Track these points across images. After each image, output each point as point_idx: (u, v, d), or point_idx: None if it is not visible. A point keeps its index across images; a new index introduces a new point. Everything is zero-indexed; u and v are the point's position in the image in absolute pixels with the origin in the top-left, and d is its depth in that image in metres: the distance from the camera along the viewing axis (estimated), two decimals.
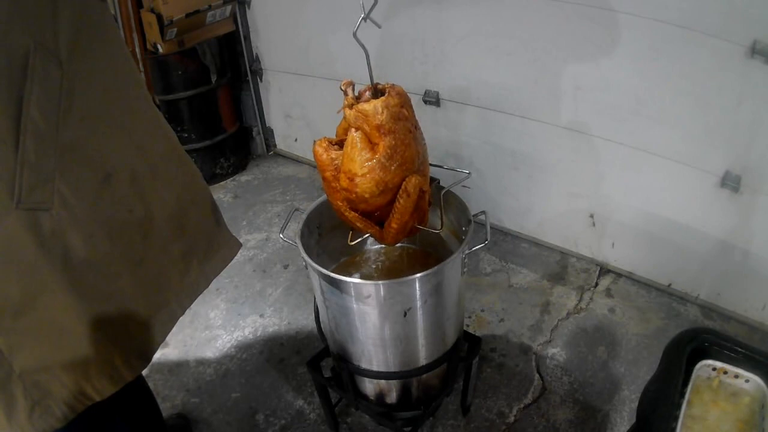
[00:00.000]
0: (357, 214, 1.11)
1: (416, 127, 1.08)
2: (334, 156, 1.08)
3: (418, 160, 1.08)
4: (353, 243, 1.21)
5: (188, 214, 0.91)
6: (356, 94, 1.05)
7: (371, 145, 1.02)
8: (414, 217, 1.12)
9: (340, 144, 1.09)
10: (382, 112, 0.99)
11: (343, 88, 1.04)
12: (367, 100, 1.01)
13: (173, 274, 0.88)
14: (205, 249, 0.98)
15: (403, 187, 1.06)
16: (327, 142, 1.09)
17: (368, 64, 1.04)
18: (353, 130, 1.03)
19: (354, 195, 1.06)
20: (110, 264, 0.73)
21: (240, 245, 1.12)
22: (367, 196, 1.05)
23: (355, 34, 0.98)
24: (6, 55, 0.61)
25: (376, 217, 1.13)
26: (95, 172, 0.70)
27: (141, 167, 0.79)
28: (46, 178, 0.63)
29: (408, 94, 1.06)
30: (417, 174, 1.08)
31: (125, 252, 0.75)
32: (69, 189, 0.66)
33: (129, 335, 0.77)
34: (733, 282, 1.80)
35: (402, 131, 1.02)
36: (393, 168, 1.03)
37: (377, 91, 1.04)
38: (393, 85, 1.05)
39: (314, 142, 1.10)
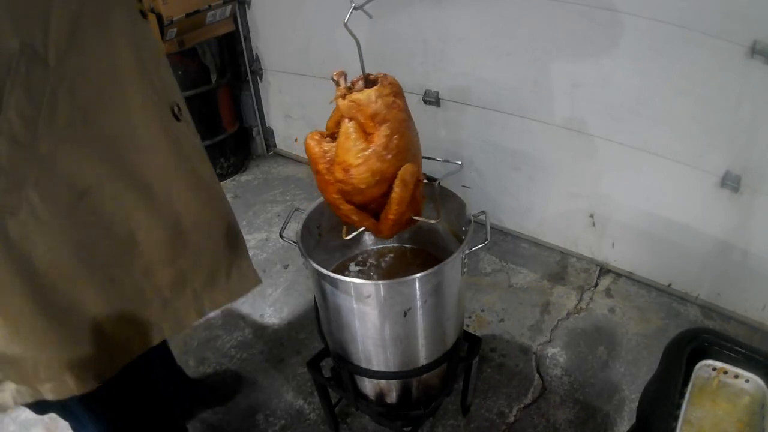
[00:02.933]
0: (352, 207, 1.08)
1: (409, 116, 1.07)
2: (326, 148, 1.06)
3: (412, 150, 1.07)
4: (348, 238, 1.18)
5: (189, 238, 0.84)
6: (348, 84, 1.04)
7: (366, 134, 1.01)
8: (410, 209, 1.11)
9: (332, 137, 1.08)
10: (376, 101, 0.98)
11: (335, 78, 1.03)
12: (360, 90, 1.00)
13: (154, 301, 0.81)
14: (207, 279, 0.90)
15: (399, 176, 1.04)
16: (319, 135, 1.08)
17: (359, 53, 1.03)
18: (347, 120, 1.01)
19: (350, 186, 1.04)
20: (74, 279, 0.69)
21: (259, 282, 1.03)
22: (363, 186, 1.03)
23: (345, 24, 0.97)
24: None
25: (372, 209, 1.11)
26: (71, 187, 0.67)
27: (129, 186, 0.73)
28: (18, 184, 0.61)
29: (400, 85, 1.05)
30: (417, 162, 1.07)
31: (95, 269, 0.71)
32: (40, 199, 0.64)
33: (83, 352, 0.73)
34: (733, 282, 1.80)
35: (396, 120, 1.01)
36: (389, 157, 1.02)
37: (369, 81, 1.03)
38: (385, 75, 1.04)
39: (308, 136, 1.08)
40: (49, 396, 0.73)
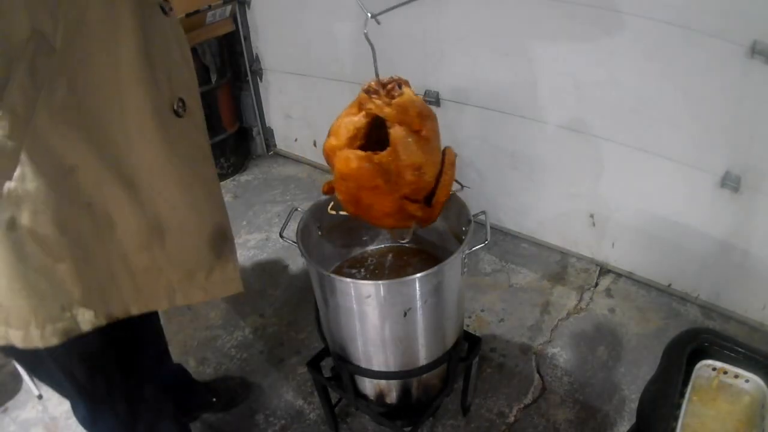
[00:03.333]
0: (419, 204, 1.11)
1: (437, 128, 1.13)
2: (377, 160, 1.03)
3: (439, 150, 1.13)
4: (335, 212, 1.22)
5: (168, 236, 0.86)
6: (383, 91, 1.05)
7: (415, 133, 1.04)
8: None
9: (362, 148, 1.06)
10: (417, 100, 1.03)
11: (373, 87, 1.03)
12: (400, 95, 1.02)
13: (126, 281, 0.85)
14: (184, 276, 0.92)
15: (446, 160, 1.11)
16: (354, 154, 1.04)
17: (374, 59, 1.03)
18: (396, 125, 1.02)
19: (423, 184, 1.07)
20: (51, 245, 0.75)
21: (239, 289, 1.02)
22: (431, 179, 1.08)
23: (366, 35, 0.98)
24: (5, 38, 0.65)
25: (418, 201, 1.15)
26: (59, 164, 0.72)
27: (112, 174, 0.77)
28: (14, 151, 0.68)
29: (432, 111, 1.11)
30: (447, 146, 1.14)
31: (72, 241, 0.77)
32: (31, 169, 0.70)
33: (49, 311, 0.79)
34: (733, 282, 1.80)
35: (429, 110, 1.06)
36: (438, 145, 1.10)
37: (382, 85, 1.05)
38: (393, 76, 1.05)
39: (343, 157, 1.05)
40: (18, 343, 0.79)
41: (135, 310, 0.88)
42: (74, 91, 0.71)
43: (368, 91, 1.03)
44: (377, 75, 1.04)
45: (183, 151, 0.86)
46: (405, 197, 1.08)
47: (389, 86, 1.04)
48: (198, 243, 0.93)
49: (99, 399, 1.03)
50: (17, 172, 0.70)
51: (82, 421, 1.11)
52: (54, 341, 0.80)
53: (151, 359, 1.16)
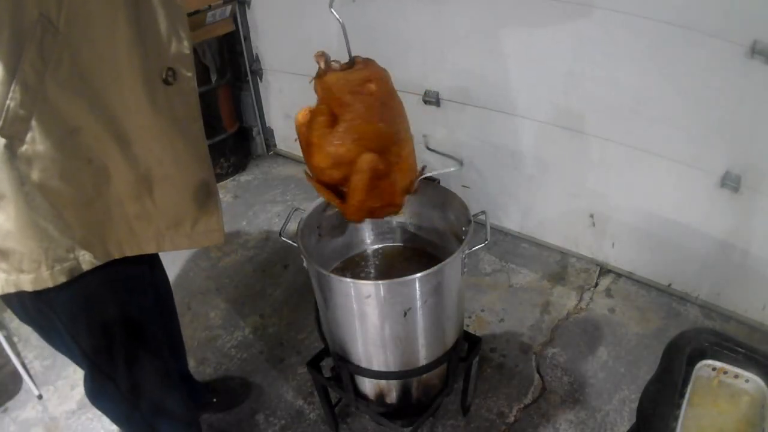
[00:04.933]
0: (319, 185, 1.11)
1: (388, 106, 1.05)
2: (305, 119, 1.07)
3: (383, 140, 1.06)
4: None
5: (156, 187, 0.98)
6: (329, 66, 1.03)
7: (332, 117, 1.01)
8: (377, 199, 1.11)
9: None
10: (343, 86, 0.98)
11: (315, 59, 1.03)
12: (335, 72, 1.00)
13: (121, 224, 0.97)
14: (171, 223, 1.03)
15: (357, 164, 1.04)
16: (308, 110, 1.09)
17: (345, 37, 1.03)
18: (321, 101, 1.02)
19: (312, 166, 1.06)
20: (58, 195, 0.88)
21: (221, 240, 1.13)
22: (323, 166, 1.05)
23: (330, 8, 1.01)
24: (18, 23, 0.77)
25: (343, 192, 1.12)
26: (64, 125, 0.85)
27: (110, 133, 0.90)
28: (25, 117, 0.81)
29: (385, 73, 1.05)
30: (388, 154, 1.06)
31: (75, 192, 0.90)
32: (39, 131, 0.82)
33: (57, 251, 0.91)
34: (733, 282, 1.80)
35: (363, 106, 1.00)
36: (347, 142, 1.02)
37: (354, 65, 1.03)
38: (368, 59, 1.03)
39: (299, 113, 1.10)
40: (28, 287, 0.90)
41: (129, 251, 1.00)
42: (77, 64, 0.83)
43: (316, 62, 1.03)
44: (349, 52, 1.05)
45: (170, 114, 0.97)
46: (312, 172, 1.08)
47: (333, 62, 1.03)
48: (183, 195, 1.03)
49: (104, 372, 1.10)
50: (28, 136, 0.82)
51: (89, 394, 1.18)
52: (62, 279, 0.92)
53: (164, 341, 1.22)
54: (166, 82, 0.96)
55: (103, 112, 0.89)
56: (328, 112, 1.01)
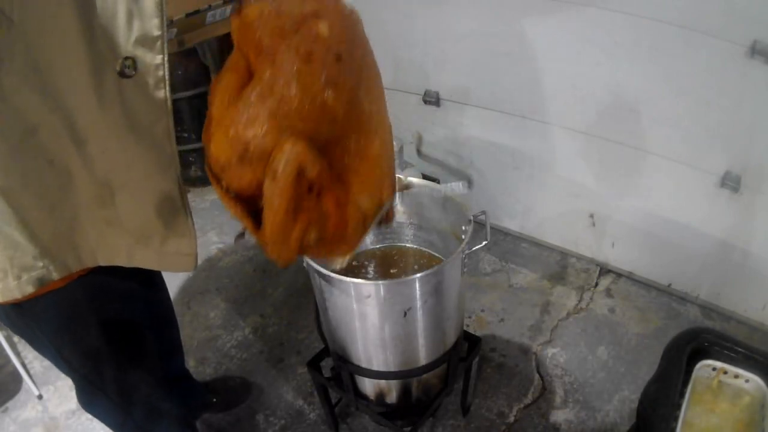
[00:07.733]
0: (224, 193, 0.70)
1: (347, 64, 0.66)
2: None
3: (330, 123, 0.65)
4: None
5: (117, 193, 0.91)
6: None
7: (248, 76, 0.65)
8: (314, 227, 0.69)
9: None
10: (269, 20, 0.60)
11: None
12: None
13: (91, 230, 0.91)
14: (138, 239, 0.95)
15: (272, 158, 0.63)
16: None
17: None
18: (236, 50, 0.68)
19: (210, 158, 0.68)
20: (20, 198, 0.82)
21: (189, 268, 1.02)
22: (222, 160, 0.66)
23: None
24: None
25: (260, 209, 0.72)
26: (23, 124, 0.79)
27: (67, 133, 0.84)
28: None
29: (354, 12, 0.71)
30: (336, 148, 0.64)
31: (39, 193, 0.83)
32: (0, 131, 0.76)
33: (24, 259, 0.85)
34: (733, 282, 1.80)
35: (298, 57, 0.59)
36: (263, 118, 0.61)
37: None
38: None
39: None
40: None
41: (102, 261, 0.93)
42: (30, 57, 0.78)
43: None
44: None
45: (122, 111, 0.87)
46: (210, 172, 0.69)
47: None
48: (143, 206, 0.95)
49: (93, 383, 1.06)
50: None
51: (80, 402, 1.14)
52: (30, 290, 0.85)
53: (157, 351, 1.17)
54: (122, 74, 0.83)
55: (59, 109, 0.82)
56: (244, 68, 0.64)
